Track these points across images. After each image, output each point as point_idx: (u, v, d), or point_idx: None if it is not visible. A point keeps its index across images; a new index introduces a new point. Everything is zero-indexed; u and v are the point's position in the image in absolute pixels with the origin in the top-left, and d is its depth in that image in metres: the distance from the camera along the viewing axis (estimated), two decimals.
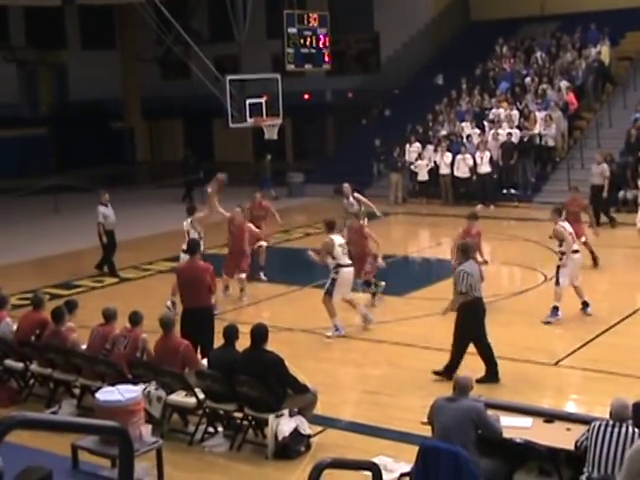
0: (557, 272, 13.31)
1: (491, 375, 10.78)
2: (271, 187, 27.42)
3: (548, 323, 13.14)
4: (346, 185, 17.48)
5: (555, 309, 13.20)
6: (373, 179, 27.61)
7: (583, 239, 15.67)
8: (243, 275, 15.52)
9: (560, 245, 13.26)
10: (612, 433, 6.65)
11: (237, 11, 23.68)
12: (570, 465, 7.19)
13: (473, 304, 10.76)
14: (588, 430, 6.85)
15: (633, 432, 6.60)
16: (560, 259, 13.27)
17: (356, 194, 17.36)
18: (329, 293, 13.04)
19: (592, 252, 16.29)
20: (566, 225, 13.34)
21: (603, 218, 20.22)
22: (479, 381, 10.00)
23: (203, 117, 36.94)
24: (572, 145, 26.04)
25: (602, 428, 6.73)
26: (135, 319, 10.14)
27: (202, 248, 13.68)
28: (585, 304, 13.51)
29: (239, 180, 31.98)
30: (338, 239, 13.18)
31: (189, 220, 15.37)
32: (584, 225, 16.35)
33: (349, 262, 13.23)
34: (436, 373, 10.91)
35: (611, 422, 6.75)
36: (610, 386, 10.52)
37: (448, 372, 10.52)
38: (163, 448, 8.26)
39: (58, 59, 38.03)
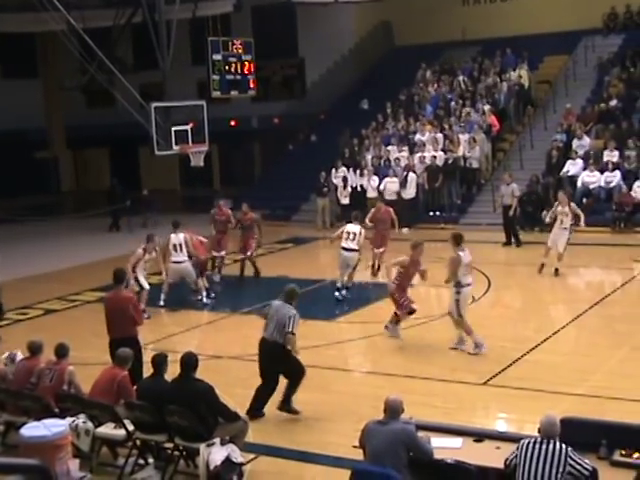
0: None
1: None
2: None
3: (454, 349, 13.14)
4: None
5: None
6: (300, 204, 27.67)
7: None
8: None
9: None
10: (540, 450, 6.71)
11: (161, 39, 23.56)
12: None
13: None
14: (517, 448, 6.91)
15: (560, 448, 6.67)
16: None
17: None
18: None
19: None
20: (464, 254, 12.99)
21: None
22: None
23: (129, 145, 36.63)
24: (496, 167, 26.51)
25: (531, 445, 6.79)
26: (61, 352, 9.94)
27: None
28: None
29: (168, 208, 31.85)
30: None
31: (180, 235, 16.61)
32: None
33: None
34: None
35: (539, 439, 6.81)
36: (537, 403, 10.67)
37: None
38: None
39: None
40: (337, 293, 16.96)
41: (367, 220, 18.46)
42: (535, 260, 18.28)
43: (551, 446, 6.70)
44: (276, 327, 10.51)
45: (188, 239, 16.74)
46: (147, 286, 15.91)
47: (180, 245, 16.65)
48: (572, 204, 18.40)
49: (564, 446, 6.68)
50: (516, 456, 6.86)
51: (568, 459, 6.61)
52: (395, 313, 13.81)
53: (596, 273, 19.50)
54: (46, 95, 39.59)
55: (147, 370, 9.60)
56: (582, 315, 14.66)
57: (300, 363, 10.65)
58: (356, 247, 16.63)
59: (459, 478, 7.42)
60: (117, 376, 9.59)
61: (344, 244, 16.64)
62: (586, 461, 6.65)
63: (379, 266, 18.54)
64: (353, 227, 16.74)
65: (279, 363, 10.60)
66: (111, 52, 24.65)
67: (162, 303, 16.71)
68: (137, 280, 15.73)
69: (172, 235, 16.76)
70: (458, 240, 13.02)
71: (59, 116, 39.72)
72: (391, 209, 19.02)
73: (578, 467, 6.60)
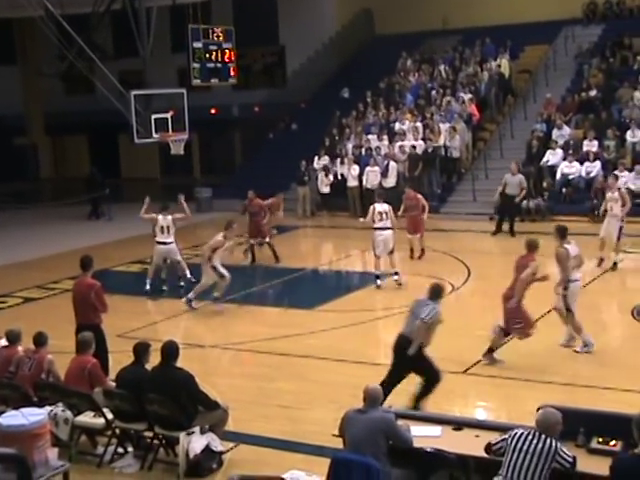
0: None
1: None
2: None
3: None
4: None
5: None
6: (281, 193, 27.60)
7: None
8: None
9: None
10: (531, 444, 6.62)
11: (141, 26, 23.42)
12: (479, 471, 7.28)
13: None
14: (508, 436, 6.82)
15: (550, 445, 6.60)
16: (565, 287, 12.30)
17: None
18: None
19: None
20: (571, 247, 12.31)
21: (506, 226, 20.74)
22: None
23: (108, 133, 36.44)
24: (476, 156, 26.57)
25: (523, 437, 6.71)
26: (40, 340, 9.90)
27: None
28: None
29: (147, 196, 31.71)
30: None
31: (168, 217, 16.77)
32: None
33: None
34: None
35: (533, 432, 6.70)
36: (516, 392, 10.75)
37: None
38: (71, 471, 8.08)
39: None
40: (378, 281, 16.57)
41: (401, 210, 18.53)
42: (514, 250, 18.29)
43: (541, 444, 6.61)
44: (412, 322, 10.01)
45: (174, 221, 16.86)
46: (227, 274, 15.41)
47: (168, 227, 16.75)
48: (621, 189, 18.00)
49: (554, 443, 6.62)
50: (505, 443, 6.82)
51: (557, 456, 6.60)
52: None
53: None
54: (24, 82, 39.31)
55: (129, 358, 9.57)
56: None
57: (434, 365, 10.08)
58: (390, 225, 16.61)
59: (438, 466, 7.46)
60: (87, 364, 9.59)
61: (378, 224, 16.55)
62: (568, 453, 6.67)
63: (422, 250, 18.80)
64: (381, 206, 16.71)
65: (409, 360, 9.96)
66: (90, 39, 24.44)
67: (148, 287, 16.84)
68: (215, 269, 15.30)
69: (160, 217, 16.84)
70: (563, 233, 12.39)
71: (38, 103, 39.47)
72: (420, 194, 19.05)
73: (562, 461, 6.61)
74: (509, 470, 6.66)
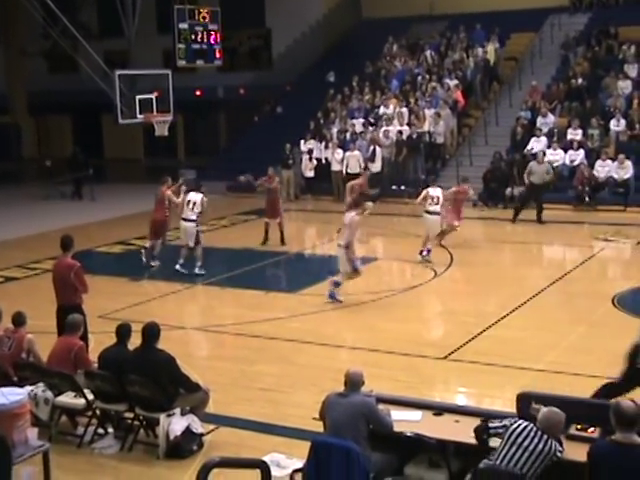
0: None
1: None
2: None
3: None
4: None
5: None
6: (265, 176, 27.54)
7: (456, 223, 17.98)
8: None
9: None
10: (532, 442, 6.55)
11: (126, 5, 23.27)
12: (458, 456, 7.33)
13: None
14: (506, 429, 6.73)
15: (551, 446, 6.55)
16: None
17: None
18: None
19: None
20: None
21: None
22: None
23: (92, 113, 36.25)
24: (461, 142, 26.59)
25: (524, 434, 6.62)
26: (18, 320, 9.85)
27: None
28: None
29: (131, 177, 31.64)
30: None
31: (199, 195, 16.74)
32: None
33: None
34: None
35: (535, 430, 6.62)
36: (497, 378, 10.80)
37: None
38: (51, 451, 8.04)
39: None
40: (420, 256, 17.02)
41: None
42: (498, 236, 18.36)
43: (542, 444, 6.55)
44: None
45: (205, 202, 16.79)
46: (361, 267, 14.62)
47: (195, 204, 16.67)
48: None
49: (555, 446, 6.58)
50: (504, 429, 6.75)
51: (553, 456, 6.56)
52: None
53: (558, 250, 19.71)
54: (7, 60, 38.96)
55: (111, 339, 9.55)
56: (543, 291, 14.80)
57: None
58: (439, 210, 17.10)
59: (418, 451, 7.49)
60: (74, 346, 9.54)
61: (429, 208, 17.02)
62: (561, 449, 6.66)
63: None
64: (435, 191, 17.14)
65: None
66: (75, 17, 24.28)
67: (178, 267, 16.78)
68: (352, 262, 14.26)
69: (192, 193, 16.90)
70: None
71: (21, 82, 39.13)
72: (467, 186, 19.19)
73: (555, 458, 6.61)
74: (503, 460, 6.61)
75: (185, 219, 16.75)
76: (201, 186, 17.46)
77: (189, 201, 16.76)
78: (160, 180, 17.67)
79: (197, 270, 16.57)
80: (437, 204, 16.99)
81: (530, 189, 21.14)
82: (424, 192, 17.36)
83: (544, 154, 22.14)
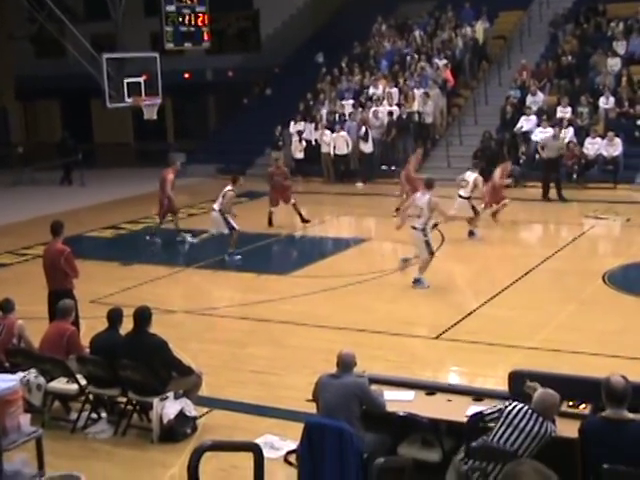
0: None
1: None
2: None
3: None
4: None
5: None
6: (255, 158, 27.53)
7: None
8: None
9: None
10: (527, 424, 6.54)
11: None
12: (451, 435, 7.35)
13: None
14: (501, 412, 6.73)
15: (547, 429, 6.54)
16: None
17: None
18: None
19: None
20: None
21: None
22: None
23: (81, 97, 36.07)
24: (450, 122, 26.56)
25: (520, 415, 6.61)
26: (7, 307, 9.83)
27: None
28: None
29: (120, 161, 31.53)
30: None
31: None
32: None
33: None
34: None
35: (530, 413, 6.60)
36: (489, 357, 10.83)
37: None
38: (44, 437, 8.04)
39: None
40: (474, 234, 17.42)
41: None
42: (488, 215, 18.35)
43: (537, 426, 6.53)
44: None
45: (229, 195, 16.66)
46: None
47: (223, 195, 16.64)
48: None
49: (550, 428, 6.56)
50: (500, 413, 6.74)
51: (548, 438, 6.55)
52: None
53: (548, 228, 19.75)
54: None
55: (102, 324, 9.55)
56: (534, 269, 14.83)
57: None
58: (464, 195, 17.38)
59: (411, 430, 7.52)
60: (66, 331, 9.55)
61: (460, 192, 17.46)
62: (555, 429, 6.66)
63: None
64: (469, 175, 17.54)
65: None
66: (61, 1, 24.11)
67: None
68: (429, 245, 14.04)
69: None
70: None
71: (8, 66, 38.85)
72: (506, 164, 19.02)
73: (549, 439, 6.61)
74: (498, 441, 6.61)
75: (213, 209, 16.89)
76: (237, 179, 17.15)
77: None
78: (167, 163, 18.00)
79: (227, 256, 16.50)
80: (465, 187, 17.35)
81: (548, 164, 21.17)
82: (462, 175, 17.74)
83: (559, 130, 22.08)
